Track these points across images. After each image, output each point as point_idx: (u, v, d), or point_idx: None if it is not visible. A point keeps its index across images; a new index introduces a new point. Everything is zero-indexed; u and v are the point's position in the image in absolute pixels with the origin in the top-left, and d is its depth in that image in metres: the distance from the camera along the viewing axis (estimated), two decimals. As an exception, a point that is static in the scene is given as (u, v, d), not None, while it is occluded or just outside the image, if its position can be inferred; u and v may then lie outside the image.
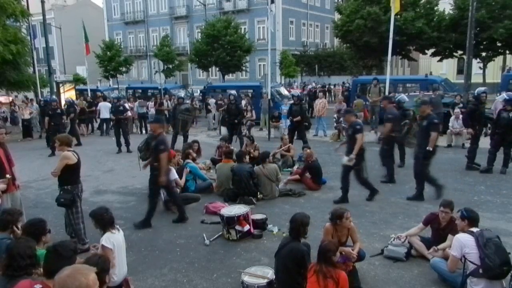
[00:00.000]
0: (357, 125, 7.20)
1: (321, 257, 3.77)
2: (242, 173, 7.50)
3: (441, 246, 4.89)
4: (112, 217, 4.29)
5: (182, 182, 7.42)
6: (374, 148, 10.88)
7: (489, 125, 9.65)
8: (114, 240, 4.07)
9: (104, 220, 4.19)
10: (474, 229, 4.17)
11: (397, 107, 9.39)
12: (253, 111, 15.93)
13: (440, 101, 13.96)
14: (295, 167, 9.52)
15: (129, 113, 15.06)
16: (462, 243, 4.07)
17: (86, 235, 5.77)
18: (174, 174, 7.16)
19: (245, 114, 14.34)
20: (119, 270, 4.13)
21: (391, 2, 12.56)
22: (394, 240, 5.30)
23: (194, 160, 8.85)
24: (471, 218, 4.34)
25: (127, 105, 15.35)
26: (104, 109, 16.66)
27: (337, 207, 4.81)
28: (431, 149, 7.11)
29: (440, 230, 5.07)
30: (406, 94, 15.96)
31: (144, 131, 16.81)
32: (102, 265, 3.11)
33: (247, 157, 8.83)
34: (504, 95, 9.46)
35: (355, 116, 7.63)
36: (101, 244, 4.04)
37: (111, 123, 15.11)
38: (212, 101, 18.85)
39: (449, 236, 4.72)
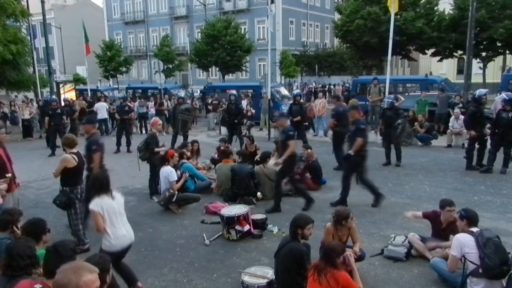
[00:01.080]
0: (290, 130, 7.03)
1: (324, 256, 3.76)
2: (243, 173, 7.50)
3: (444, 244, 4.90)
4: (101, 185, 4.21)
5: (178, 185, 7.23)
6: (375, 148, 10.90)
7: (488, 125, 9.63)
8: (104, 204, 4.03)
9: (95, 187, 4.20)
10: (474, 229, 4.17)
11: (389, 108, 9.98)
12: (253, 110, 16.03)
13: (446, 101, 14.00)
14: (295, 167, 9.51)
15: (133, 113, 15.03)
16: (462, 243, 4.07)
17: (86, 236, 5.77)
18: (173, 176, 7.11)
19: (245, 114, 14.36)
20: (114, 233, 4.06)
21: (391, 2, 12.54)
22: (394, 239, 5.31)
23: (188, 159, 8.82)
24: (470, 218, 4.34)
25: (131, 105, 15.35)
26: (102, 109, 16.67)
27: (340, 208, 4.80)
28: (351, 153, 6.87)
29: (440, 231, 5.08)
30: (407, 94, 16.08)
31: (144, 131, 16.81)
32: (103, 264, 3.10)
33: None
34: (503, 95, 9.44)
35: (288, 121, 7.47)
36: (90, 208, 4.06)
37: (116, 122, 15.03)
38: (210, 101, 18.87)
39: (451, 236, 4.72)
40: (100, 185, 4.18)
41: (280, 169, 7.05)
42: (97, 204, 4.04)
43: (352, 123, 7.29)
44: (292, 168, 7.14)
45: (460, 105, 13.36)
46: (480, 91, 9.80)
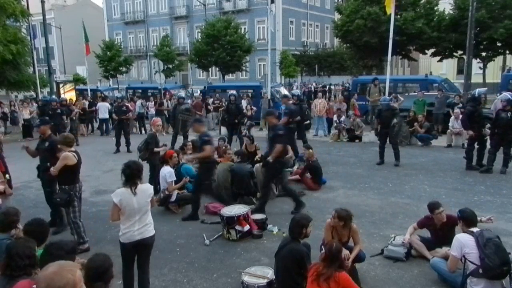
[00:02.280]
0: (205, 136, 6.96)
1: (331, 258, 3.72)
2: (243, 173, 7.50)
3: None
4: (130, 174, 4.10)
5: (175, 187, 7.16)
6: (375, 148, 10.91)
7: (488, 125, 9.62)
8: (123, 198, 4.03)
9: (125, 173, 4.12)
10: (474, 229, 4.17)
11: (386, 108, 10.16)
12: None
13: (444, 101, 14.00)
14: (295, 167, 9.51)
15: (131, 114, 15.02)
16: (462, 243, 4.07)
17: (86, 234, 5.77)
18: (171, 176, 7.08)
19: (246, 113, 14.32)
20: (126, 227, 4.07)
21: (389, 2, 12.54)
22: (394, 239, 5.30)
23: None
24: (465, 218, 4.36)
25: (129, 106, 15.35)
26: (103, 109, 16.68)
27: (341, 208, 4.79)
28: (270, 160, 6.68)
29: (438, 231, 5.07)
30: (406, 94, 16.09)
31: (144, 131, 16.81)
32: (108, 262, 3.11)
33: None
34: (506, 94, 9.43)
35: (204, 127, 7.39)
36: (111, 196, 4.10)
37: (114, 123, 15.04)
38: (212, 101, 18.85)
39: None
40: (129, 173, 4.11)
41: (197, 174, 7.03)
42: (117, 195, 4.05)
43: (270, 128, 7.16)
44: (210, 174, 6.95)
45: (460, 105, 13.35)
46: (479, 90, 9.79)
